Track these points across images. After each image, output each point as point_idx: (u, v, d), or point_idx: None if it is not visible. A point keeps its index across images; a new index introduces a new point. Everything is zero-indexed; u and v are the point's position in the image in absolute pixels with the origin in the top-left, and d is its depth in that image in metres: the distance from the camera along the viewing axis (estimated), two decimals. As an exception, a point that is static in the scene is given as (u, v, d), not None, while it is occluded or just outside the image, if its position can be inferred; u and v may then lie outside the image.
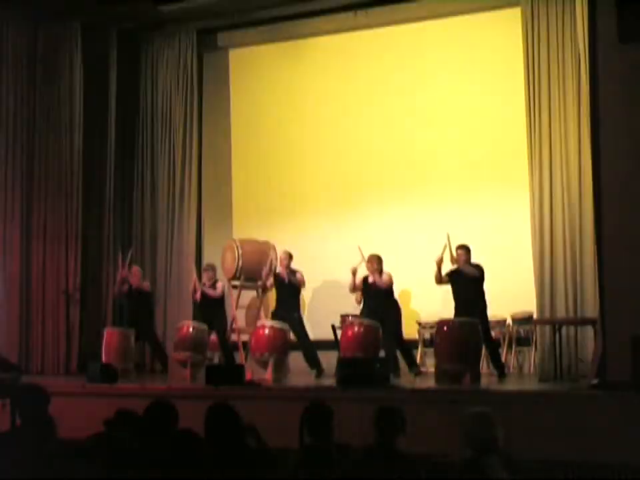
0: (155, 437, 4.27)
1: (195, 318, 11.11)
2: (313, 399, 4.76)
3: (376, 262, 9.51)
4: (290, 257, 9.96)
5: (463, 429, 4.03)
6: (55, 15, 11.62)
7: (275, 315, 9.81)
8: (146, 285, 10.92)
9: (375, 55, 11.63)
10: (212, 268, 10.52)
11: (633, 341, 7.04)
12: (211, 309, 10.27)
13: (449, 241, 9.01)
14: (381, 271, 9.52)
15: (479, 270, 9.04)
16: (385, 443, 4.33)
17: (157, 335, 11.15)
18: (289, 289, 9.86)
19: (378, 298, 9.42)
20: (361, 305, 10.09)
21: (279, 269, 10.03)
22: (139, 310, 10.76)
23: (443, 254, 9.06)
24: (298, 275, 9.85)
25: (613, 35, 7.41)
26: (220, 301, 10.37)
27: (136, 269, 10.97)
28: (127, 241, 12.29)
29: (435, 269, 9.11)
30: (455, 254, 9.05)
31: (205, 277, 10.44)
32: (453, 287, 9.18)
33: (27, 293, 11.45)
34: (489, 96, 10.92)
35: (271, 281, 10.18)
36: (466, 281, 9.00)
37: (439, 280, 9.20)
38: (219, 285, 10.38)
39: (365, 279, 9.61)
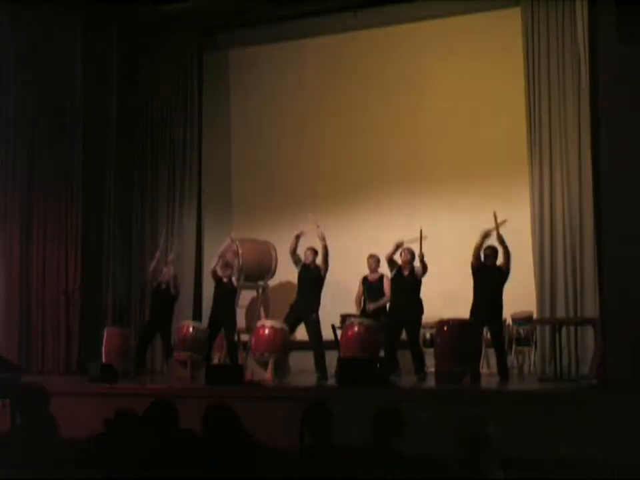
0: (155, 437, 4.26)
1: (195, 317, 11.14)
2: (313, 399, 4.76)
3: (410, 255, 9.23)
4: (315, 253, 9.62)
5: (458, 429, 4.05)
6: (55, 14, 11.62)
7: (294, 310, 9.55)
8: (176, 285, 10.71)
9: (375, 54, 11.63)
10: (230, 266, 10.43)
11: (633, 341, 7.04)
12: (224, 307, 10.16)
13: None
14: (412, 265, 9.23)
15: (502, 272, 8.91)
16: (384, 443, 4.33)
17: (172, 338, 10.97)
18: (312, 285, 9.53)
19: (408, 293, 9.19)
20: (362, 304, 10.09)
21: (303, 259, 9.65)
22: (163, 309, 10.62)
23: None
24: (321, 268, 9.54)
25: (613, 35, 7.41)
26: (233, 300, 10.27)
27: (168, 269, 10.77)
28: (126, 241, 12.29)
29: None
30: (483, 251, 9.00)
31: (223, 274, 10.32)
32: (475, 283, 8.97)
33: (27, 293, 11.45)
34: (489, 95, 10.93)
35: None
36: (491, 280, 8.87)
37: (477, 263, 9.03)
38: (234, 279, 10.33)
39: (398, 271, 9.31)
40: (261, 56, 12.34)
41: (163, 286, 10.55)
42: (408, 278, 9.22)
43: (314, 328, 9.45)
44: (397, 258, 9.35)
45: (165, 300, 10.56)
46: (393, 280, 9.37)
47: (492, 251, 8.99)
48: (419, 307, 9.22)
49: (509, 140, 10.72)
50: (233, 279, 10.19)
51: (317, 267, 9.55)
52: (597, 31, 7.87)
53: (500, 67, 10.86)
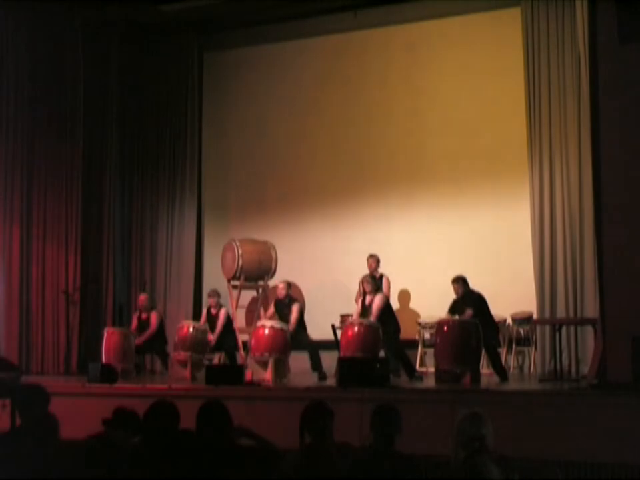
0: (156, 437, 4.26)
1: (195, 318, 11.14)
2: (313, 399, 4.76)
3: (368, 283, 9.40)
4: (289, 286, 9.92)
5: (455, 429, 4.06)
6: (55, 15, 11.61)
7: None
8: (154, 316, 10.73)
9: (375, 54, 11.63)
10: (217, 293, 10.52)
11: (633, 341, 7.04)
12: (220, 334, 10.31)
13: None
14: (376, 289, 9.42)
15: (475, 301, 8.89)
16: (383, 442, 4.33)
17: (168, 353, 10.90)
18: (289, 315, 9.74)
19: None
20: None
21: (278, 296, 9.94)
22: (152, 339, 10.68)
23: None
24: (294, 308, 9.69)
25: (613, 35, 7.40)
26: (228, 325, 10.41)
27: (143, 297, 10.90)
28: (126, 241, 12.29)
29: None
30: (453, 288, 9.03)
31: (212, 303, 10.47)
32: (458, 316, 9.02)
33: (27, 293, 11.44)
34: (489, 96, 10.92)
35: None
36: (472, 306, 8.85)
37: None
38: (223, 311, 10.42)
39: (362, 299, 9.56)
40: (261, 56, 12.33)
41: (144, 316, 10.68)
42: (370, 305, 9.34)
43: (307, 346, 9.55)
44: None
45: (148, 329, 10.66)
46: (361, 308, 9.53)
47: (459, 284, 8.95)
48: (390, 326, 9.24)
49: (508, 140, 10.71)
50: (220, 317, 10.32)
51: (291, 299, 9.79)
52: (597, 30, 7.84)
53: (500, 66, 10.85)
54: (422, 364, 10.25)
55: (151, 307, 10.97)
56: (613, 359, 7.38)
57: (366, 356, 8.63)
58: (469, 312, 8.80)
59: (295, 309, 9.69)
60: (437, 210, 11.00)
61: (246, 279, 10.94)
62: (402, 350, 9.38)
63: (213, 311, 10.45)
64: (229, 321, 10.49)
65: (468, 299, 8.91)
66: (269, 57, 12.26)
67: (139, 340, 10.48)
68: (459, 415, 4.12)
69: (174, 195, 12.24)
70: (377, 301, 9.24)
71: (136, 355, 10.40)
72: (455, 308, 9.03)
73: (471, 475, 3.88)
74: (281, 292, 9.91)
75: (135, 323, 10.84)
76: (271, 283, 11.09)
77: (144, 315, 10.78)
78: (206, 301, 10.91)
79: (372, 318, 9.10)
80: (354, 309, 10.20)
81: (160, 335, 10.80)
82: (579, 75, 9.79)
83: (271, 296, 10.73)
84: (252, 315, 11.15)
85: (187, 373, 9.80)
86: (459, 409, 4.19)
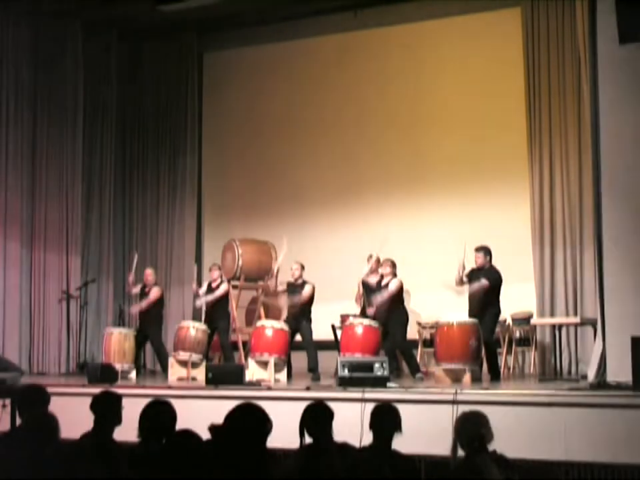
0: (152, 437, 4.25)
1: (195, 318, 11.14)
2: (313, 399, 4.76)
3: (390, 266, 9.39)
4: (302, 268, 9.80)
5: (455, 429, 4.06)
6: (55, 15, 11.61)
7: (286, 322, 9.66)
8: (155, 290, 10.57)
9: (375, 54, 11.63)
10: (218, 267, 10.49)
11: (633, 341, 7.04)
12: (216, 310, 10.25)
13: (465, 250, 8.90)
14: (394, 275, 9.37)
15: (495, 277, 8.87)
16: (383, 442, 4.33)
17: (163, 339, 10.85)
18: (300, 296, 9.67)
19: (387, 302, 9.28)
20: (361, 307, 10.10)
21: (290, 279, 9.82)
22: (148, 313, 10.63)
23: (464, 260, 8.91)
24: (306, 288, 9.65)
25: (613, 35, 7.41)
26: (224, 302, 10.36)
27: (148, 271, 10.74)
28: (127, 242, 12.29)
29: (456, 272, 8.93)
30: (473, 256, 8.96)
31: (212, 276, 10.41)
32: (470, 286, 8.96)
33: (27, 293, 11.44)
34: (489, 96, 10.93)
35: (278, 287, 10.07)
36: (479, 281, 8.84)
37: (460, 282, 9.00)
38: (224, 285, 10.36)
39: (374, 282, 9.53)
40: (260, 56, 12.34)
41: (147, 289, 10.59)
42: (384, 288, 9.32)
43: (306, 334, 9.52)
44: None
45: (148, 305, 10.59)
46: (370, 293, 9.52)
47: (482, 252, 8.93)
48: (399, 312, 9.24)
49: (508, 140, 10.71)
50: (221, 290, 10.26)
51: (304, 281, 9.69)
52: (597, 30, 7.85)
53: (500, 66, 10.85)
54: (422, 364, 10.25)
55: (155, 282, 10.77)
56: (613, 359, 7.39)
57: (366, 356, 8.63)
58: (484, 281, 8.73)
59: (307, 288, 9.61)
60: (437, 210, 11.00)
61: (246, 279, 10.94)
62: (409, 344, 9.38)
63: (214, 284, 10.38)
64: (226, 297, 10.40)
65: (487, 271, 8.86)
66: (268, 57, 12.26)
67: (134, 308, 10.63)
68: (459, 415, 4.13)
69: (174, 195, 12.25)
70: (396, 282, 9.23)
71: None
72: (471, 276, 8.92)
73: (470, 475, 3.89)
74: (294, 273, 9.75)
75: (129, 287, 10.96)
76: (271, 283, 11.06)
77: (147, 289, 10.63)
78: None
79: (386, 295, 9.10)
80: (354, 309, 10.23)
81: (157, 312, 10.68)
82: (579, 74, 9.80)
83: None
84: (252, 314, 11.15)
85: (186, 373, 9.79)
86: (458, 409, 4.19)
